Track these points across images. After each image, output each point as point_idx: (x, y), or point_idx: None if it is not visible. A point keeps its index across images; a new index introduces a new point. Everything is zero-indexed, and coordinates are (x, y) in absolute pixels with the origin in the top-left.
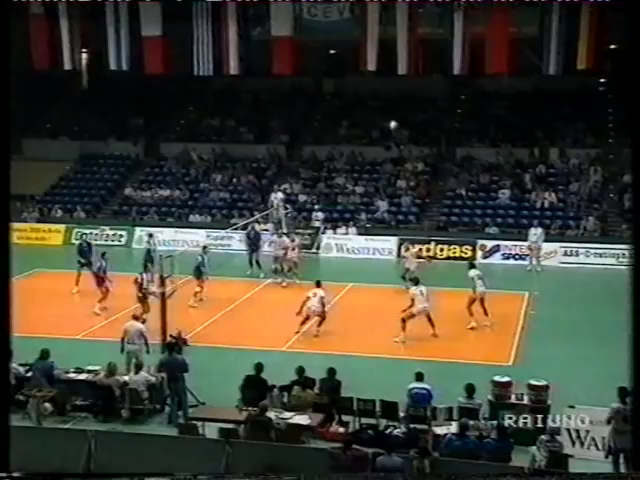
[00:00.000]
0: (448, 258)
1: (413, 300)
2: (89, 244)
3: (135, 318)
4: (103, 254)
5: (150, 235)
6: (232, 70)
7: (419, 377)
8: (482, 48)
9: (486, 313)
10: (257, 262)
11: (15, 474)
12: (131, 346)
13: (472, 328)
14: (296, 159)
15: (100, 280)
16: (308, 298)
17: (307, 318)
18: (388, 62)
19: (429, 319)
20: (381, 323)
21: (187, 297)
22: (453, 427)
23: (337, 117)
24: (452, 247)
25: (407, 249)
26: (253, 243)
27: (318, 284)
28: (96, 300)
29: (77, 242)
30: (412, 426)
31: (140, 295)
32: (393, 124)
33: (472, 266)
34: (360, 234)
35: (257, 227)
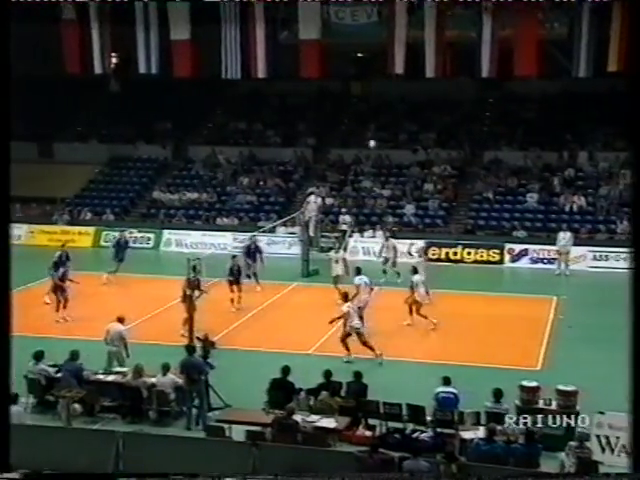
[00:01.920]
0: (475, 262)
1: (357, 290)
2: (127, 241)
3: (119, 320)
4: (67, 256)
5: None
6: (260, 73)
7: (446, 381)
8: (510, 50)
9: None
10: (254, 274)
11: (15, 474)
12: (111, 347)
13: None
14: (323, 162)
15: (60, 287)
16: (347, 313)
17: (348, 335)
18: (415, 65)
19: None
20: (409, 326)
21: (214, 299)
22: (480, 432)
23: (364, 120)
24: (479, 251)
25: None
26: (252, 255)
27: (346, 298)
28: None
29: (114, 238)
30: (439, 430)
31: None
32: (372, 143)
33: (415, 271)
34: (387, 237)
35: (258, 241)
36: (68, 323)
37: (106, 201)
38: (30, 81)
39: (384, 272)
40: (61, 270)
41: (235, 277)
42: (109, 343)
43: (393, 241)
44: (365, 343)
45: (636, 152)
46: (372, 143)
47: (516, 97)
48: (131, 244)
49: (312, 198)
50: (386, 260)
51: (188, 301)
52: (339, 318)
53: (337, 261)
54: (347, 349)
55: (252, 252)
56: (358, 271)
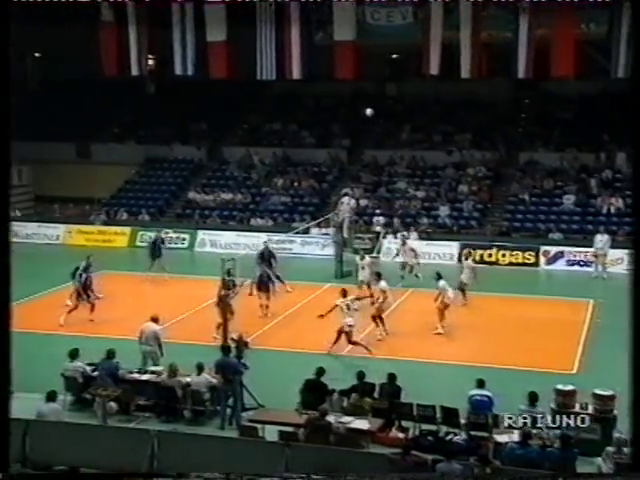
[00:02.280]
0: (510, 264)
1: (383, 295)
2: (163, 240)
3: (154, 320)
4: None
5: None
6: (294, 74)
7: (480, 384)
8: (547, 50)
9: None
10: (277, 277)
11: (15, 474)
12: (146, 347)
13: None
14: (357, 163)
15: (85, 293)
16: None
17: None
18: (450, 66)
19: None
20: (437, 327)
21: (248, 300)
22: (515, 435)
23: (399, 121)
24: (514, 253)
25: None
26: (266, 260)
27: (344, 295)
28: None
29: (150, 237)
30: (473, 433)
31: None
32: (369, 111)
33: (440, 277)
34: (421, 239)
35: (270, 245)
36: (103, 322)
37: (142, 201)
38: (69, 83)
39: (402, 278)
40: (84, 276)
41: (265, 284)
42: (144, 343)
43: (410, 244)
44: (353, 342)
45: (636, 152)
46: (368, 111)
47: (553, 97)
48: (166, 244)
49: (346, 199)
50: (404, 265)
51: (222, 302)
52: (329, 312)
53: (363, 267)
54: (335, 342)
55: (266, 258)
56: (379, 276)
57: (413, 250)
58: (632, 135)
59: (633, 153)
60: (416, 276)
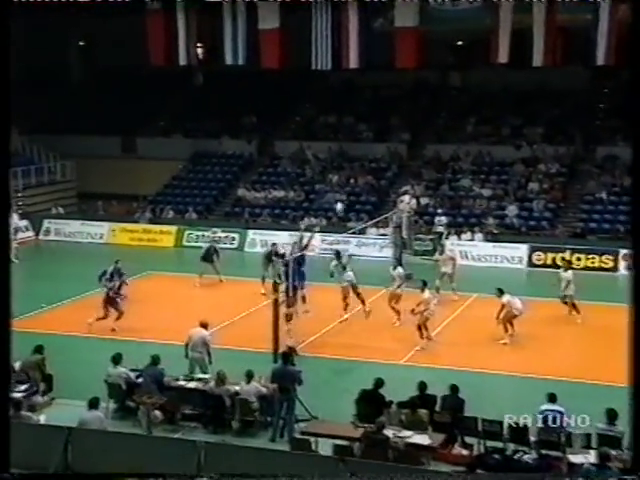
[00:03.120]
0: (586, 268)
1: (427, 304)
2: (217, 250)
3: (203, 326)
4: (120, 272)
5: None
6: (352, 64)
7: (552, 398)
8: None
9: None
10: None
11: (15, 474)
12: (194, 353)
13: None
14: (418, 159)
15: (113, 299)
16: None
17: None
18: (521, 53)
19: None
20: (504, 337)
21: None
22: (591, 456)
23: (463, 113)
24: (590, 256)
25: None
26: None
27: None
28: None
29: (206, 245)
30: (544, 452)
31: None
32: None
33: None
34: (487, 240)
35: (278, 247)
36: (147, 326)
37: (189, 199)
38: (114, 74)
39: (437, 290)
40: (115, 283)
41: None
42: (192, 349)
43: (450, 254)
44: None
45: (636, 152)
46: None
47: None
48: (220, 253)
49: (406, 198)
50: (443, 275)
51: (274, 306)
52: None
53: (394, 278)
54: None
55: (273, 260)
56: (424, 284)
57: (453, 259)
58: (632, 134)
59: (633, 153)
60: (452, 290)
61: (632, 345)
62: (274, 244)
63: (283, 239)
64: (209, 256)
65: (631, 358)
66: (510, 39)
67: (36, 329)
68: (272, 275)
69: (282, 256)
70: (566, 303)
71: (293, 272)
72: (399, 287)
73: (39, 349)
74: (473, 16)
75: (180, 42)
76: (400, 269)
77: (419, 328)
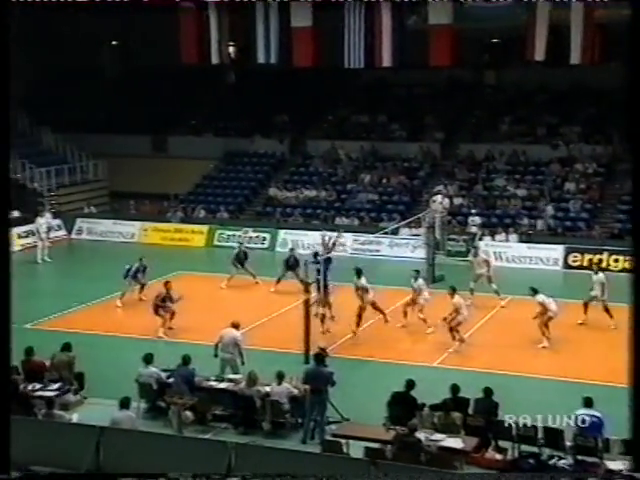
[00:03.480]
0: (624, 270)
1: (457, 309)
2: (245, 252)
3: (234, 326)
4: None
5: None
6: (385, 62)
7: (588, 403)
8: None
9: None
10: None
11: (15, 474)
12: (225, 354)
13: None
14: (451, 158)
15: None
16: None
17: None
18: (558, 50)
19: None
20: (542, 340)
21: (333, 305)
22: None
23: (498, 112)
24: (629, 258)
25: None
26: (292, 268)
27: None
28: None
29: (235, 250)
30: (580, 458)
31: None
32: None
33: (536, 292)
34: (522, 241)
35: (297, 253)
36: (178, 326)
37: (220, 198)
38: (146, 72)
39: (471, 292)
40: (142, 280)
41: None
42: (222, 350)
43: (484, 256)
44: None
45: (636, 152)
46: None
47: None
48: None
49: (438, 198)
50: (478, 277)
51: (305, 306)
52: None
53: (415, 290)
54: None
55: (291, 265)
56: (453, 290)
57: (487, 261)
58: (632, 132)
59: (633, 153)
60: (496, 292)
61: (632, 345)
62: (292, 249)
63: (314, 239)
64: (240, 260)
65: (631, 358)
66: (547, 36)
67: (68, 328)
68: (303, 277)
69: (315, 256)
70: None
71: (324, 273)
72: (422, 298)
73: (67, 347)
74: (509, 13)
75: (212, 41)
76: (421, 280)
77: (451, 330)
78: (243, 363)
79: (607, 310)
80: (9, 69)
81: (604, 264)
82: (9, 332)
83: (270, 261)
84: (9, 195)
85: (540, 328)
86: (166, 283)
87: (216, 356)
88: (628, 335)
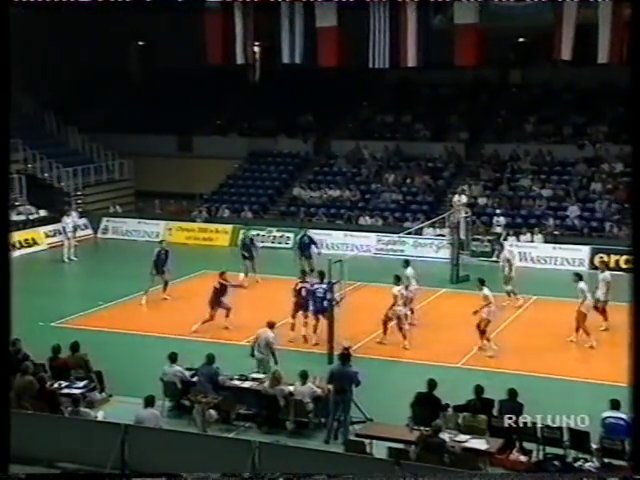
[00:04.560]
0: None
1: (487, 302)
2: (252, 239)
3: (270, 326)
4: (166, 254)
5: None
6: (410, 62)
7: (615, 405)
8: None
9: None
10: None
11: (15, 474)
12: (259, 354)
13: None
14: (476, 158)
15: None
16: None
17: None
18: (585, 49)
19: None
20: (567, 341)
21: (357, 305)
22: None
23: (524, 112)
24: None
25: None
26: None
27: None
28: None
29: (240, 237)
30: (606, 460)
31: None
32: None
33: (580, 278)
34: (547, 242)
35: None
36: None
37: (244, 198)
38: (172, 72)
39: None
40: (166, 276)
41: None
42: (257, 349)
43: (507, 255)
44: (401, 329)
45: (636, 152)
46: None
47: None
48: (257, 244)
49: (455, 197)
50: (508, 279)
51: (329, 306)
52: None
53: (403, 278)
54: (384, 331)
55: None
56: (482, 282)
57: (509, 261)
58: (631, 132)
59: (632, 151)
60: (511, 294)
61: (632, 345)
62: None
63: (338, 239)
64: (246, 249)
65: (631, 358)
66: (574, 35)
67: (93, 327)
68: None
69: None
70: (597, 308)
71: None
72: (410, 288)
73: (75, 348)
74: (535, 12)
75: (237, 41)
76: (410, 269)
77: (478, 327)
78: (276, 362)
79: (604, 311)
80: (9, 69)
81: (631, 264)
82: (9, 333)
83: (294, 261)
84: (9, 195)
85: (576, 320)
86: (221, 274)
87: (253, 356)
88: (628, 335)
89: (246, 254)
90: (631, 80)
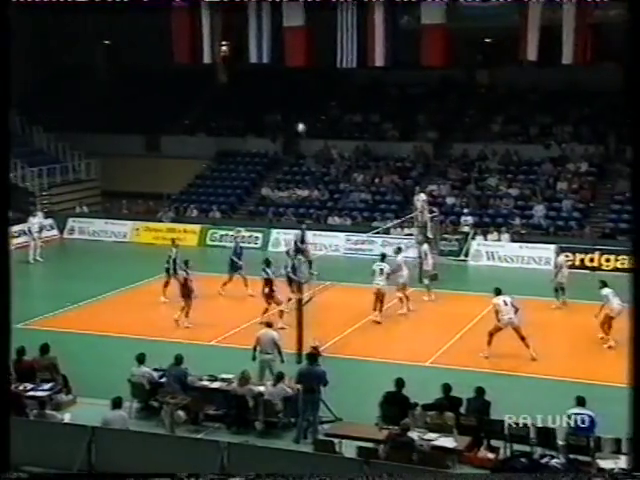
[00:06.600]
0: (615, 269)
1: (497, 312)
2: (242, 248)
3: (268, 326)
4: (186, 262)
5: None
6: (378, 62)
7: (580, 402)
8: None
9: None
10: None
11: (15, 474)
12: (264, 355)
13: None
14: (444, 158)
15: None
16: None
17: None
18: (551, 50)
19: (518, 333)
20: (537, 340)
21: (325, 304)
22: (622, 461)
23: (491, 112)
24: (620, 257)
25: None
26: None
27: (498, 292)
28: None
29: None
30: (572, 457)
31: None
32: (301, 127)
33: (604, 285)
34: (514, 241)
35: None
36: (169, 326)
37: (213, 197)
38: (138, 72)
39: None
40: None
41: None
42: (262, 351)
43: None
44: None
45: (636, 152)
46: (301, 127)
47: None
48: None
49: (415, 197)
50: (559, 284)
51: (298, 305)
52: None
53: (375, 272)
54: (489, 343)
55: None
56: (498, 292)
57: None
58: (631, 132)
59: (632, 152)
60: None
61: (632, 345)
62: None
63: (307, 239)
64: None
65: (631, 358)
66: (539, 36)
67: (60, 328)
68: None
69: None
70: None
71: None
72: (400, 274)
73: (45, 350)
74: (501, 13)
75: (204, 40)
76: (384, 264)
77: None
78: (283, 361)
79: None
80: (9, 69)
81: (595, 263)
82: (9, 333)
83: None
84: (9, 196)
85: (601, 327)
86: (186, 262)
87: (254, 359)
88: (628, 335)
89: (238, 262)
90: (626, 80)
